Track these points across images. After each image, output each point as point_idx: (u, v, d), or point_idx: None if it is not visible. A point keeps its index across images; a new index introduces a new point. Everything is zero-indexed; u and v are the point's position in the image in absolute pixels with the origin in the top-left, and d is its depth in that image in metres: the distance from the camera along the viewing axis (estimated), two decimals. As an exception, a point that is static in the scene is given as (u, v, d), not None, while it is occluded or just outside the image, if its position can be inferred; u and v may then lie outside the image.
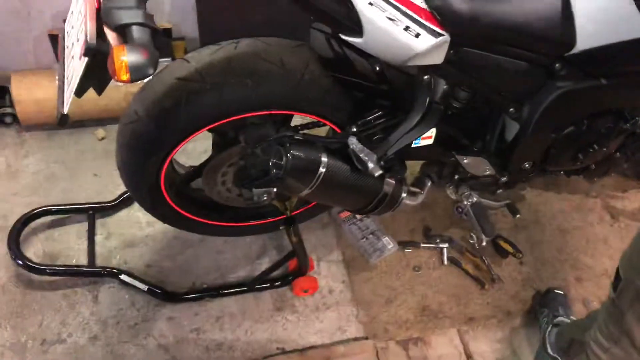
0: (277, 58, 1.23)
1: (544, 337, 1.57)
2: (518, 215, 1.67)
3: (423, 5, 1.00)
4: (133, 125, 1.27)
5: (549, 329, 1.57)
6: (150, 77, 0.92)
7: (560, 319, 1.59)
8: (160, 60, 2.12)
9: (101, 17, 0.96)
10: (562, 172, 1.64)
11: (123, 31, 0.94)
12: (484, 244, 1.62)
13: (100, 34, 1.00)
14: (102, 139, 2.05)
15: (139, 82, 0.96)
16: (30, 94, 1.91)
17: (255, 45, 1.25)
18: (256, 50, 1.24)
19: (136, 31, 0.94)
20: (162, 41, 1.95)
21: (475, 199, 1.53)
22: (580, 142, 1.42)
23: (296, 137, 1.23)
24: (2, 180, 1.88)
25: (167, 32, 2.03)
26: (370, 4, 0.94)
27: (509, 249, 1.88)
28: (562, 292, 1.75)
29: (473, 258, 1.87)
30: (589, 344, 1.22)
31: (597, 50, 1.19)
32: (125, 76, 0.89)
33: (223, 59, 1.22)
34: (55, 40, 1.91)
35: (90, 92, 1.09)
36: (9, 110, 1.98)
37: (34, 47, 2.02)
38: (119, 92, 1.94)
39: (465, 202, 1.53)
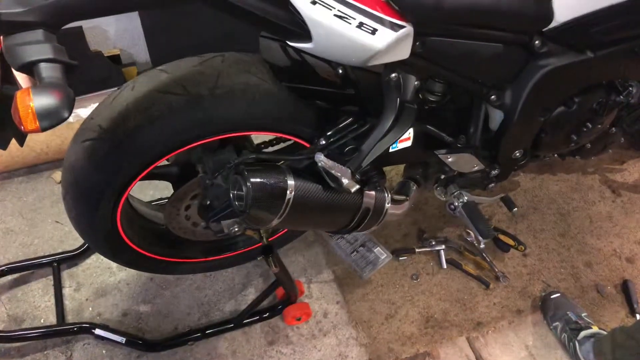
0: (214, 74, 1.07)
1: (575, 354, 1.47)
2: (515, 209, 1.54)
3: (376, -5, 0.86)
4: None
5: (578, 346, 1.46)
6: (66, 121, 0.78)
7: (584, 332, 1.47)
8: (109, 90, 1.96)
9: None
10: (555, 155, 1.52)
11: (31, 71, 0.80)
12: (482, 245, 1.49)
13: (8, 78, 0.86)
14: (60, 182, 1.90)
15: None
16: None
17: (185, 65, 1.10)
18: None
19: (45, 69, 0.79)
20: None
21: (466, 198, 1.39)
22: (572, 122, 1.29)
23: (255, 162, 1.09)
24: (-45, 243, 1.73)
25: (116, 58, 1.88)
26: (314, 2, 0.80)
27: (510, 242, 1.76)
28: (559, 293, 1.62)
29: (473, 257, 1.74)
30: None
31: (578, 20, 1.06)
32: (33, 125, 0.74)
33: (139, 95, 1.07)
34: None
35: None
36: (-46, 165, 1.82)
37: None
38: (72, 130, 1.79)
39: (456, 203, 1.39)
